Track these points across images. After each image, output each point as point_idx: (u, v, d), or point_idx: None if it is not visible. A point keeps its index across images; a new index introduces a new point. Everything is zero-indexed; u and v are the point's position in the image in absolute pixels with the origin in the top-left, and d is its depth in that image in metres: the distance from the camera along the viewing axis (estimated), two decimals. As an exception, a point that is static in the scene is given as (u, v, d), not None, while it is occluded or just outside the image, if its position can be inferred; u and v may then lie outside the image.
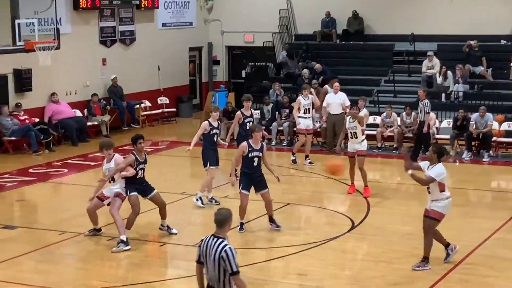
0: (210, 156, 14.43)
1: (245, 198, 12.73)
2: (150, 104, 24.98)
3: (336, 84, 20.05)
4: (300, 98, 18.58)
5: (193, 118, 25.80)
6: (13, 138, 19.87)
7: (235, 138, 17.12)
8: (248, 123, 15.49)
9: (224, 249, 7.20)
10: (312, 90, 18.92)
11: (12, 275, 11.01)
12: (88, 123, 22.21)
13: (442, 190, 10.89)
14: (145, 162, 12.40)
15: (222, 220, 7.37)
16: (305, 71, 23.88)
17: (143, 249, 12.34)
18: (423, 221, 11.07)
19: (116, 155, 12.46)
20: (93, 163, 18.83)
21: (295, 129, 19.48)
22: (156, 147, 21.44)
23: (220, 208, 7.58)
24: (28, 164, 18.71)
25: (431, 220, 10.94)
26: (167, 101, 25.70)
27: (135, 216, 12.34)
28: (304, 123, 18.45)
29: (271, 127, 21.23)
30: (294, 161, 18.50)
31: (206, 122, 14.44)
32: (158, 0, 25.16)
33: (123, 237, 12.05)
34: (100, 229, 12.80)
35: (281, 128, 21.20)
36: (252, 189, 12.75)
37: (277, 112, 21.55)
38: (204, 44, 28.24)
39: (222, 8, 27.92)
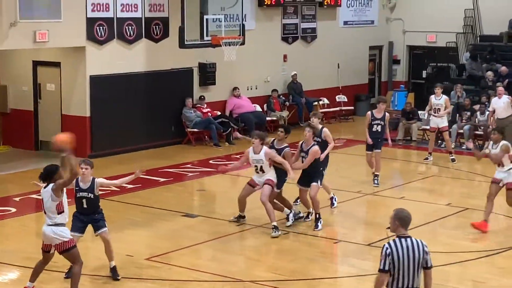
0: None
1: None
2: (328, 102, 25.08)
3: (501, 88, 19.71)
4: (432, 97, 18.80)
5: (370, 117, 25.60)
6: (195, 130, 20.58)
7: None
8: (375, 125, 16.03)
9: (425, 244, 7.19)
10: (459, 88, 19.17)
11: (191, 261, 11.43)
12: (267, 118, 22.62)
13: None
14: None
15: (409, 220, 7.27)
16: (489, 73, 23.13)
17: (317, 245, 12.44)
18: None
19: (265, 147, 12.73)
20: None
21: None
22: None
23: (401, 208, 7.43)
24: (209, 155, 19.31)
25: None
26: (345, 99, 25.69)
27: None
28: (435, 121, 18.75)
29: (450, 129, 20.73)
30: (453, 160, 18.63)
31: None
32: (340, -2, 25.22)
33: (275, 223, 12.47)
34: (244, 216, 13.26)
35: (461, 131, 20.66)
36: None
37: (457, 115, 21.01)
38: (385, 43, 28.00)
39: (405, 7, 27.56)
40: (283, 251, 12.06)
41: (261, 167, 12.70)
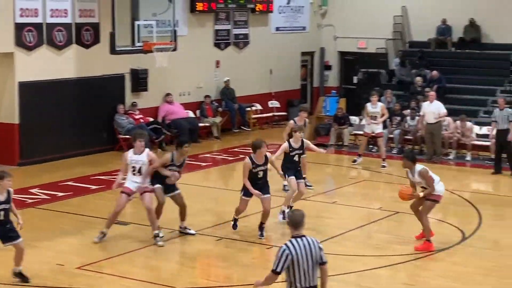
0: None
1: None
2: (261, 107, 25.19)
3: (432, 92, 20.07)
4: (368, 105, 19.04)
5: (303, 122, 25.79)
6: (127, 136, 20.37)
7: None
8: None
9: (318, 241, 7.47)
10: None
11: (124, 270, 11.32)
12: (200, 124, 22.58)
13: None
14: (180, 166, 12.54)
15: (299, 221, 7.50)
16: (418, 78, 23.55)
17: (251, 250, 12.46)
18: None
19: (147, 150, 12.61)
20: (203, 164, 19.13)
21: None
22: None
23: (295, 210, 7.78)
24: (141, 162, 19.12)
25: None
26: (278, 105, 25.85)
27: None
28: (371, 128, 19.01)
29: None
30: (383, 166, 18.90)
31: (286, 144, 13.92)
32: (272, 4, 25.35)
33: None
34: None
35: (391, 135, 20.97)
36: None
37: (388, 120, 21.30)
38: (317, 49, 28.26)
39: (335, 14, 27.87)
40: (216, 258, 12.05)
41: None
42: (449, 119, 20.25)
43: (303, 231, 7.45)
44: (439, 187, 12.26)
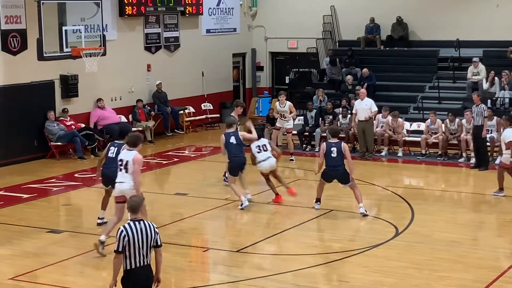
0: None
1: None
2: (194, 110, 25.12)
3: (363, 90, 20.63)
4: (276, 104, 19.99)
5: (236, 124, 25.82)
6: (59, 143, 20.13)
7: None
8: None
9: (154, 225, 8.21)
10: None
11: (58, 278, 11.17)
12: (133, 129, 22.37)
13: None
14: None
15: (137, 206, 8.18)
16: (349, 77, 23.82)
17: (187, 254, 12.42)
18: None
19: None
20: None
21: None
22: (199, 152, 21.58)
23: (132, 196, 8.62)
24: (74, 169, 18.93)
25: None
26: (211, 107, 25.83)
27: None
28: (281, 123, 19.95)
29: (314, 133, 21.24)
30: (291, 160, 19.77)
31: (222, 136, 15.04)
32: (202, 6, 25.31)
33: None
34: None
35: (324, 134, 21.13)
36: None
37: (320, 118, 21.52)
38: (248, 50, 28.33)
39: (265, 15, 27.99)
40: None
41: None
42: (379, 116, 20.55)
43: (140, 215, 8.17)
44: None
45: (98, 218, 13.60)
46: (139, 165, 11.71)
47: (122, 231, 8.05)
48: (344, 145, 14.38)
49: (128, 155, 11.79)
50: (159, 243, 8.22)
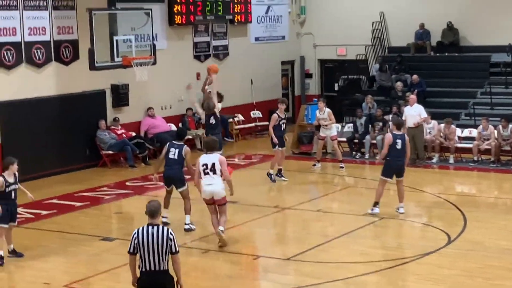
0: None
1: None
2: (243, 118, 25.20)
3: (412, 96, 20.57)
4: (316, 111, 20.12)
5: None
6: (110, 152, 20.36)
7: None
8: (282, 125, 17.77)
9: (170, 231, 8.16)
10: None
11: (111, 286, 11.29)
12: (183, 137, 22.50)
13: None
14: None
15: (155, 211, 8.23)
16: (398, 83, 23.67)
17: (238, 262, 12.45)
18: None
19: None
20: (187, 177, 19.06)
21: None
22: (249, 160, 21.62)
23: (152, 200, 8.48)
24: (125, 177, 19.12)
25: None
26: (260, 115, 25.88)
27: None
28: (324, 132, 19.95)
29: (364, 140, 21.13)
30: (341, 168, 19.58)
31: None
32: (251, 15, 25.40)
33: None
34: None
35: (374, 141, 21.03)
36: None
37: (370, 125, 21.40)
38: (297, 57, 28.34)
39: (314, 22, 27.97)
40: (203, 270, 12.01)
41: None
42: (434, 122, 20.36)
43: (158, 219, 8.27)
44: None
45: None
46: (225, 164, 12.55)
47: (134, 233, 8.17)
48: (407, 138, 14.61)
49: (210, 158, 12.52)
50: (173, 250, 8.17)
